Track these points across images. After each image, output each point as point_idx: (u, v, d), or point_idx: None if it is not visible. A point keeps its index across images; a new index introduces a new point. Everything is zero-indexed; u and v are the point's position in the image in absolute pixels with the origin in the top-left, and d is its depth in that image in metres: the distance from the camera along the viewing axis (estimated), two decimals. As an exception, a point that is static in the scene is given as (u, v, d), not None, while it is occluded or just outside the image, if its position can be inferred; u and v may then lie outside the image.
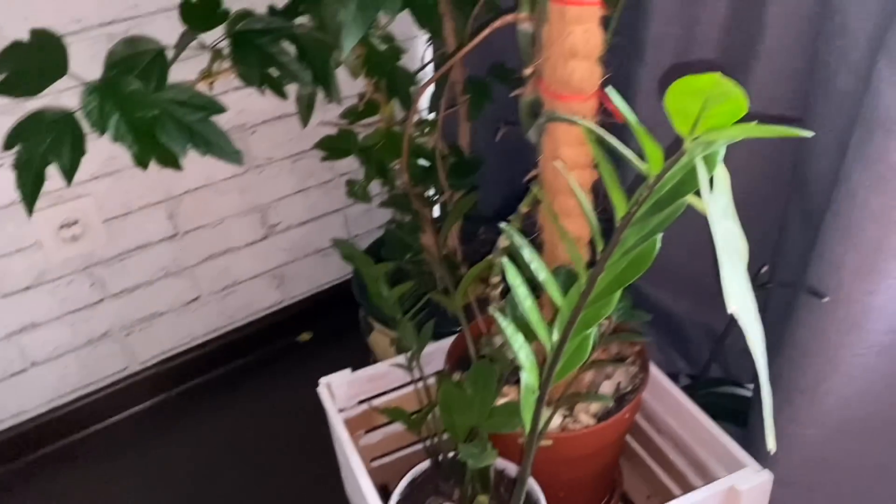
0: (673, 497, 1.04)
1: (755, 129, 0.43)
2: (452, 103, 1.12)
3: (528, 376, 0.66)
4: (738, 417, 1.08)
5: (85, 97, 0.81)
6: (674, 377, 1.25)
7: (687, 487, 1.02)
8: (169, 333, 1.41)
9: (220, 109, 0.89)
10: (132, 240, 1.30)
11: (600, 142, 0.51)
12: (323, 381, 1.06)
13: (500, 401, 0.95)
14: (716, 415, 1.10)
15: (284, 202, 1.42)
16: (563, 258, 0.87)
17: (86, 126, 0.82)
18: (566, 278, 0.87)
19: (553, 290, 0.59)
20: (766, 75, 0.94)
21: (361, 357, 1.42)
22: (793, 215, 0.92)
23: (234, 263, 1.42)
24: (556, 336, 0.63)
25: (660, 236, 0.54)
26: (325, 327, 1.55)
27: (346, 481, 1.12)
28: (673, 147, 0.49)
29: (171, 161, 0.90)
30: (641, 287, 1.26)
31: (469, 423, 0.88)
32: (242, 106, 1.29)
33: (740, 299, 0.43)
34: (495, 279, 0.91)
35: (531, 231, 0.90)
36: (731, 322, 1.00)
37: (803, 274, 0.84)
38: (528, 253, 0.60)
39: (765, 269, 0.89)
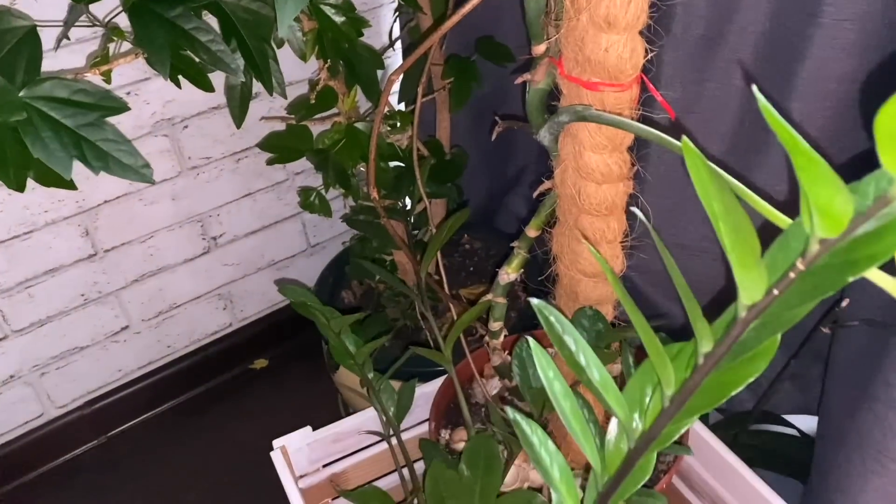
0: (713, 568, 0.86)
1: None
2: (429, 90, 0.90)
3: (566, 502, 0.45)
4: (791, 465, 0.89)
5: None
6: (703, 415, 1.05)
7: (732, 560, 0.82)
8: (93, 371, 1.18)
9: (120, 107, 0.66)
10: (39, 263, 1.06)
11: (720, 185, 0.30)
12: (277, 443, 0.85)
13: (510, 473, 0.75)
14: (761, 462, 0.90)
15: (228, 209, 1.19)
16: (586, 297, 0.66)
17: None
18: (592, 325, 0.67)
19: (615, 401, 0.37)
20: (826, 51, 0.73)
21: (326, 387, 1.20)
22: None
23: (169, 284, 1.19)
24: (612, 454, 0.42)
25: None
26: (282, 352, 1.33)
27: (312, 559, 0.91)
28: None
29: (57, 180, 0.67)
30: (660, 303, 1.05)
31: (467, 516, 0.67)
32: (169, 95, 1.05)
33: None
34: (496, 325, 0.70)
35: (540, 260, 0.69)
36: (797, 353, 0.80)
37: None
38: (573, 343, 0.38)
39: (845, 303, 0.69)
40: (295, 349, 1.34)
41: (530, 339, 0.43)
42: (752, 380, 0.36)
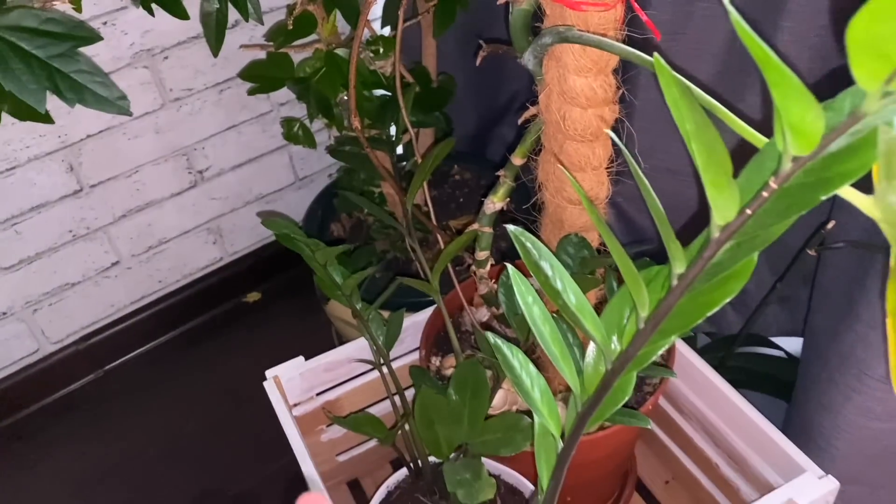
0: (697, 484, 0.88)
1: None
2: (413, 13, 0.87)
3: (548, 423, 0.46)
4: (777, 387, 0.91)
5: None
6: (690, 338, 1.06)
7: (716, 477, 0.85)
8: (86, 306, 1.18)
9: (93, 37, 0.64)
10: (23, 200, 1.05)
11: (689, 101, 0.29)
12: (270, 373, 0.86)
13: (498, 396, 0.76)
14: (748, 384, 0.92)
15: (213, 142, 1.17)
16: (571, 224, 0.66)
17: None
18: (577, 251, 0.67)
19: (592, 324, 0.38)
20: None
21: (319, 319, 1.21)
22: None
23: (158, 219, 1.18)
24: (590, 376, 0.42)
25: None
26: (275, 286, 1.34)
27: (309, 484, 0.94)
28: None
29: (31, 113, 0.66)
30: (648, 228, 1.05)
31: (455, 439, 0.69)
32: (147, 25, 1.03)
33: None
34: (482, 254, 0.70)
35: (527, 188, 0.69)
36: (783, 276, 0.81)
37: (881, 233, 0.63)
38: (549, 268, 0.38)
39: (831, 224, 0.69)
40: (288, 282, 1.34)
41: (510, 266, 0.43)
42: (727, 300, 0.36)
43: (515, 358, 0.45)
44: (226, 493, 1.08)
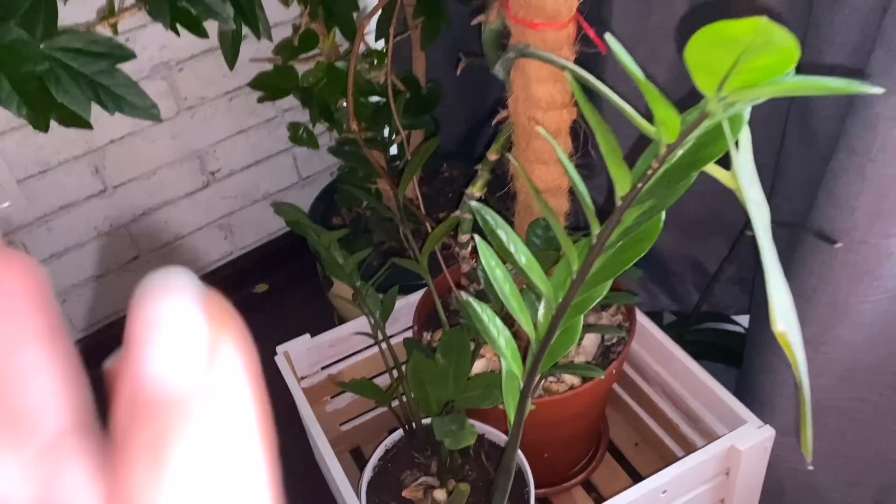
0: (662, 444, 0.99)
1: (809, 86, 0.32)
2: (403, 29, 0.98)
3: (511, 365, 0.56)
4: (731, 357, 1.02)
5: (-47, 53, 0.67)
6: (657, 315, 1.17)
7: (678, 436, 0.96)
8: (109, 297, 1.29)
9: (128, 55, 0.75)
10: (55, 200, 1.16)
11: (585, 89, 0.40)
12: (280, 349, 0.97)
13: (479, 361, 0.87)
14: (706, 355, 1.03)
15: (224, 145, 1.28)
16: (540, 210, 0.77)
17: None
18: (544, 233, 0.78)
19: (538, 278, 0.49)
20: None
21: (323, 307, 1.32)
22: (793, 145, 0.82)
23: (174, 217, 1.29)
24: (542, 324, 0.53)
25: (663, 213, 0.44)
26: (281, 277, 1.44)
27: (315, 450, 1.05)
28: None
29: (76, 121, 0.77)
30: (608, 212, 1.16)
31: (443, 397, 0.79)
32: (164, 41, 1.14)
33: (788, 317, 0.33)
34: (464, 237, 0.81)
35: (502, 179, 0.80)
36: (728, 256, 0.92)
37: (809, 214, 0.74)
38: (504, 234, 0.49)
39: (764, 207, 0.80)
40: (292, 274, 1.45)
41: (476, 236, 0.54)
42: (639, 257, 0.47)
43: (484, 312, 0.56)
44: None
